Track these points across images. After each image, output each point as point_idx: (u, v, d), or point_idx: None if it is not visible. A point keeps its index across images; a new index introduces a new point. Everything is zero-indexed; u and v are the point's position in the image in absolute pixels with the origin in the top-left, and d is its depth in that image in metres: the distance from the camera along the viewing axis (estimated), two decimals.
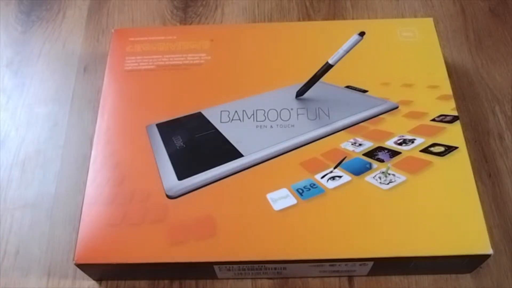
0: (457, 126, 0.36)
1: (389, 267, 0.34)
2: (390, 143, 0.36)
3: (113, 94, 0.39)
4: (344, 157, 0.35)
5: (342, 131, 0.37)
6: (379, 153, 0.36)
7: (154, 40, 0.42)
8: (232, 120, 0.38)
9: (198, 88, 0.39)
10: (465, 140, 0.36)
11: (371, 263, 0.33)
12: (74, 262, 0.32)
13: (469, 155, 0.35)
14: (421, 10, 0.48)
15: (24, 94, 0.44)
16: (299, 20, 0.48)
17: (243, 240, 0.32)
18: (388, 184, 0.34)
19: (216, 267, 0.33)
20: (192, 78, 0.40)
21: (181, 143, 0.37)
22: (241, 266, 0.33)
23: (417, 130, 0.36)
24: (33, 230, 0.38)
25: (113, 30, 0.43)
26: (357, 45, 0.39)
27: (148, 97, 0.39)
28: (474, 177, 0.34)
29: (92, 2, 0.50)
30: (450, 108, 0.37)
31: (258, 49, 0.41)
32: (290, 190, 0.34)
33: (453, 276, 0.35)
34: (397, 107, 0.38)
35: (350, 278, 0.35)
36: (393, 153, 0.35)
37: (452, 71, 0.43)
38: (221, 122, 0.38)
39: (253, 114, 0.38)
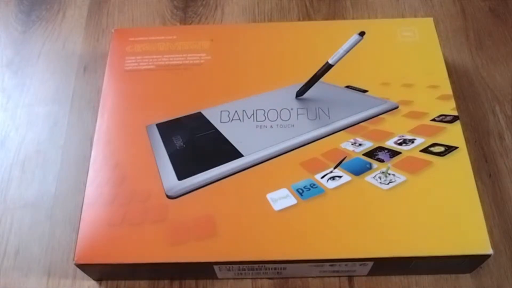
0: (457, 126, 0.36)
1: (389, 267, 0.34)
2: (390, 143, 0.36)
3: (113, 94, 0.39)
4: (344, 157, 0.35)
5: (342, 131, 0.37)
6: (379, 153, 0.36)
7: (154, 40, 0.42)
8: (232, 120, 0.38)
9: (198, 88, 0.39)
10: (465, 140, 0.36)
11: (371, 263, 0.33)
12: (74, 262, 0.32)
13: (469, 155, 0.35)
14: (421, 10, 0.48)
15: (24, 94, 0.44)
16: (299, 20, 0.48)
17: (243, 240, 0.32)
18: (388, 184, 0.34)
19: (216, 267, 0.33)
20: (192, 78, 0.40)
21: (181, 143, 0.37)
22: (241, 266, 0.33)
23: (417, 130, 0.36)
24: (33, 230, 0.38)
25: (113, 30, 0.43)
26: (357, 45, 0.39)
27: (148, 97, 0.39)
28: (474, 177, 0.34)
29: (92, 2, 0.50)
30: (450, 108, 0.37)
31: (258, 49, 0.41)
32: (290, 190, 0.34)
33: (453, 276, 0.35)
34: (397, 107, 0.38)
35: (350, 278, 0.35)
36: (393, 153, 0.35)
37: (452, 71, 0.43)
38: (221, 122, 0.38)
39: (253, 114, 0.38)
